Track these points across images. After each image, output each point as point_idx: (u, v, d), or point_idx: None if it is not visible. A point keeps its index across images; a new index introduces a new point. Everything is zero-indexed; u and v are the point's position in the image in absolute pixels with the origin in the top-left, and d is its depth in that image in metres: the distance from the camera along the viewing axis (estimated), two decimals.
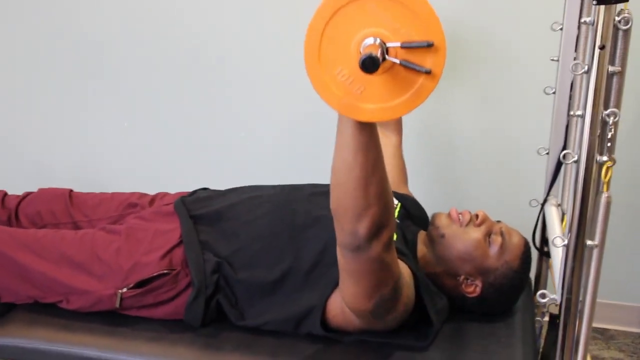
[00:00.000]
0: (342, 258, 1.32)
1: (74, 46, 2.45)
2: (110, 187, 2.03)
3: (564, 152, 1.21)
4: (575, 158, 1.19)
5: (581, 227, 1.21)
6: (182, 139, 2.49)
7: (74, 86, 2.51)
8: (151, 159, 2.55)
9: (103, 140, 2.56)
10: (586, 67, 1.15)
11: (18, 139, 2.63)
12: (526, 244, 1.59)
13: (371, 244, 1.24)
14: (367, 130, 1.13)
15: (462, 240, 1.56)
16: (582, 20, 1.21)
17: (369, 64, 0.96)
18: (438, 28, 1.01)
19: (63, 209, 1.83)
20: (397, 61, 1.01)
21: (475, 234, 1.55)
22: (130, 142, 2.53)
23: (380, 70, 1.00)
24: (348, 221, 1.22)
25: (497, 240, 1.55)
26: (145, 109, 2.48)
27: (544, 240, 1.84)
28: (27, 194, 1.90)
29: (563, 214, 1.72)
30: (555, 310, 1.67)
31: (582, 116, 1.17)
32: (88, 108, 2.53)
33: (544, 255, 1.83)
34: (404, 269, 1.43)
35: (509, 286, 1.58)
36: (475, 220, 1.57)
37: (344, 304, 1.45)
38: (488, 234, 1.56)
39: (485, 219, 1.58)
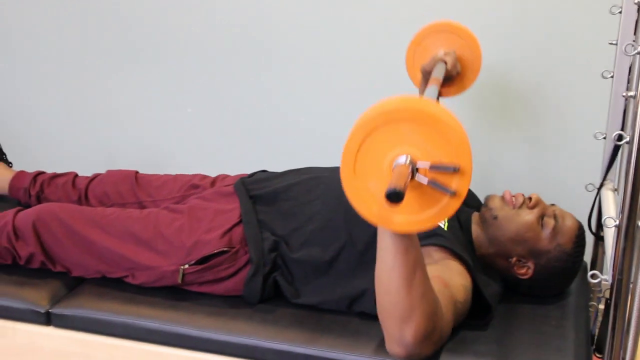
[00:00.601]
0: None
1: (142, 35, 2.53)
2: (172, 170, 2.10)
3: (618, 132, 1.22)
4: (628, 139, 1.20)
5: (633, 207, 1.22)
6: (242, 124, 2.54)
7: (139, 71, 2.59)
8: (212, 144, 2.61)
9: (167, 124, 2.64)
10: (639, 48, 1.16)
11: (87, 123, 2.73)
12: (580, 227, 1.59)
13: (421, 348, 1.26)
14: (405, 235, 1.18)
15: (515, 222, 1.57)
16: (637, 1, 1.22)
17: (394, 198, 1.01)
18: (467, 154, 1.06)
19: (129, 189, 1.91)
20: (425, 181, 1.07)
21: (528, 216, 1.56)
22: (193, 127, 2.60)
23: (409, 186, 1.07)
24: (394, 325, 1.25)
25: (550, 222, 1.56)
26: (207, 95, 2.54)
27: (600, 225, 1.83)
28: (96, 176, 1.99)
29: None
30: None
31: (635, 97, 1.18)
32: (154, 94, 2.61)
33: (599, 239, 1.83)
34: (461, 287, 1.43)
35: (562, 269, 1.59)
36: (528, 202, 1.58)
37: None
38: (541, 217, 1.57)
39: (538, 202, 1.58)
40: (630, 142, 1.20)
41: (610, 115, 1.73)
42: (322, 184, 1.68)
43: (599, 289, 1.87)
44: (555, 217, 1.56)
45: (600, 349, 1.55)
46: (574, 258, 1.58)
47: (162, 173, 2.00)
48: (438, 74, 1.72)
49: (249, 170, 1.93)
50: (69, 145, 2.76)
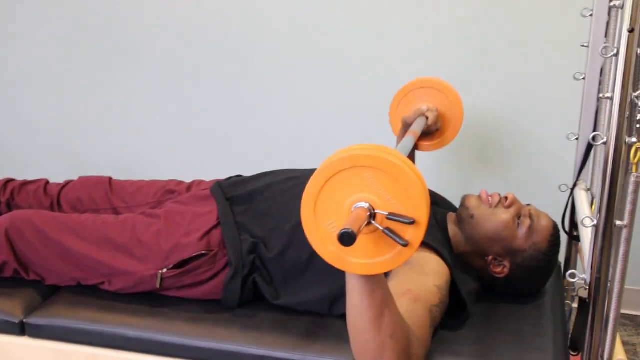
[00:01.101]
0: None
1: (113, 39, 2.51)
2: (143, 176, 2.08)
3: (594, 133, 1.24)
4: (605, 140, 1.22)
5: (610, 207, 1.24)
6: (216, 130, 2.53)
7: (110, 77, 2.56)
8: (184, 150, 2.60)
9: (137, 131, 2.62)
10: (615, 50, 1.18)
11: (57, 131, 2.69)
12: (555, 226, 1.62)
13: None
14: (369, 277, 1.18)
15: (491, 221, 1.59)
16: (612, 4, 1.24)
17: (346, 239, 1.02)
18: (424, 208, 1.09)
19: (103, 195, 1.89)
20: (381, 228, 1.09)
21: (504, 215, 1.58)
22: (164, 134, 2.58)
23: (365, 230, 1.10)
24: None
25: (525, 222, 1.58)
26: (179, 101, 2.53)
27: (574, 224, 1.86)
28: (68, 182, 1.96)
29: (592, 198, 1.74)
30: (585, 294, 1.70)
31: (611, 98, 1.20)
32: (123, 100, 2.59)
33: (574, 239, 1.86)
34: (435, 288, 1.43)
35: (537, 267, 1.61)
36: (504, 202, 1.60)
37: None
38: (517, 216, 1.59)
39: (514, 201, 1.60)
40: (606, 143, 1.22)
41: (582, 116, 1.75)
42: (299, 184, 1.68)
43: (572, 287, 1.91)
44: (530, 216, 1.59)
45: (574, 347, 1.57)
46: (549, 257, 1.61)
47: (134, 179, 1.98)
48: (417, 127, 1.76)
49: (223, 176, 1.93)
50: (39, 151, 2.73)
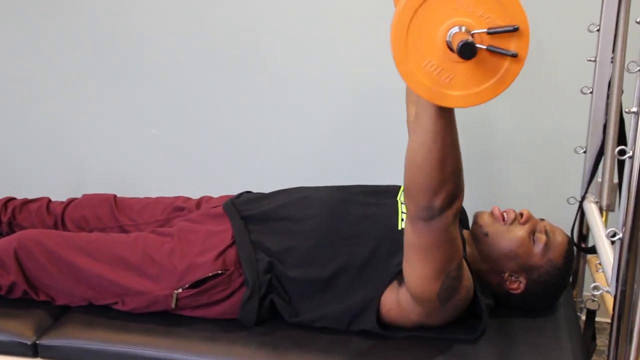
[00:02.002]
0: (413, 233, 1.35)
1: (107, 56, 2.49)
2: (139, 192, 2.06)
3: (620, 147, 1.25)
4: (631, 154, 1.23)
5: (636, 220, 1.25)
6: (211, 145, 2.52)
7: (103, 92, 2.54)
8: (179, 165, 2.58)
9: (132, 146, 2.60)
10: None
11: (50, 147, 2.66)
12: (569, 242, 1.63)
13: (444, 213, 1.29)
14: (447, 116, 1.18)
15: (507, 238, 1.59)
16: (638, 20, 1.26)
17: (466, 50, 0.99)
18: (521, 12, 1.04)
19: (109, 213, 1.86)
20: (484, 47, 1.04)
21: (520, 232, 1.58)
22: (162, 149, 2.56)
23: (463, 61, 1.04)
24: (423, 197, 1.27)
25: (541, 238, 1.58)
26: (172, 116, 2.51)
27: (581, 237, 1.88)
28: (72, 200, 1.93)
29: (601, 210, 1.76)
30: (593, 306, 1.72)
31: (637, 113, 1.21)
32: (119, 115, 2.56)
33: (583, 251, 1.87)
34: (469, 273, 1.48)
35: (553, 283, 1.62)
36: (519, 218, 1.60)
37: (400, 296, 1.49)
38: (532, 232, 1.59)
39: (529, 217, 1.61)
40: (632, 157, 1.23)
41: (590, 130, 1.77)
42: (315, 202, 1.68)
43: (580, 299, 1.92)
44: (546, 232, 1.59)
45: None
46: (564, 272, 1.62)
47: (128, 196, 1.96)
48: None
49: (218, 191, 1.92)
50: (31, 169, 2.68)
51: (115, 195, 1.92)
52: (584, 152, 1.81)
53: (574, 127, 1.93)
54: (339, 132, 2.38)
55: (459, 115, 1.21)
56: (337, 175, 2.18)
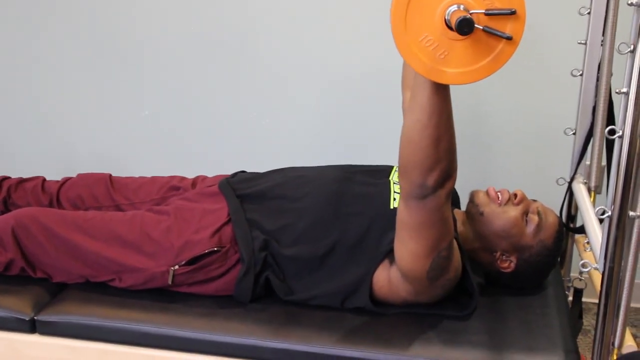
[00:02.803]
0: (406, 211, 1.38)
1: (98, 37, 2.49)
2: (131, 173, 2.07)
3: (610, 127, 1.28)
4: (620, 133, 1.26)
5: (625, 199, 1.28)
6: (203, 126, 2.53)
7: (95, 74, 2.54)
8: (171, 145, 2.59)
9: (124, 127, 2.60)
10: (632, 47, 1.22)
11: (42, 128, 2.66)
12: (560, 223, 1.66)
13: (437, 192, 1.32)
14: (443, 94, 1.21)
15: (501, 218, 1.61)
16: (630, 1, 1.28)
17: (465, 26, 1.03)
18: None
19: (104, 192, 1.88)
20: (481, 27, 1.07)
21: (514, 212, 1.61)
22: (154, 130, 2.57)
23: (460, 38, 1.08)
24: (418, 175, 1.30)
25: (534, 219, 1.61)
26: (164, 97, 2.52)
27: (570, 217, 1.92)
28: (67, 179, 1.95)
29: (590, 190, 1.79)
30: (580, 285, 1.76)
31: (627, 93, 1.24)
32: (109, 97, 2.57)
33: (572, 231, 1.90)
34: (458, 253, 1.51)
35: (543, 263, 1.65)
36: (513, 199, 1.63)
37: (391, 275, 1.52)
38: (525, 213, 1.62)
39: (523, 198, 1.63)
40: (622, 137, 1.26)
41: (580, 112, 1.80)
42: (310, 181, 1.70)
43: (568, 279, 1.96)
44: (539, 214, 1.62)
45: None
46: (554, 252, 1.65)
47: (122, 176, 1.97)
48: None
49: (211, 171, 1.94)
50: (23, 151, 2.69)
51: (110, 175, 1.93)
52: (574, 133, 1.84)
53: (564, 109, 1.96)
54: (331, 116, 2.40)
55: (453, 93, 1.23)
56: (330, 158, 2.21)
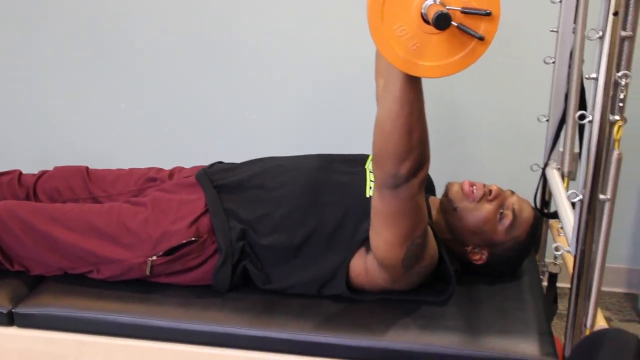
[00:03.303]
0: (380, 200, 1.40)
1: (74, 32, 2.48)
2: (109, 166, 2.07)
3: (580, 112, 1.30)
4: (590, 118, 1.28)
5: (595, 182, 1.30)
6: (178, 118, 2.53)
7: (71, 67, 2.53)
8: (148, 138, 2.59)
9: (101, 121, 2.60)
10: (600, 33, 1.24)
11: (20, 123, 2.65)
12: (535, 217, 1.66)
13: (410, 181, 1.33)
14: (415, 85, 1.22)
15: (474, 215, 1.61)
16: None
17: (442, 20, 1.04)
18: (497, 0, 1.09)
19: (81, 184, 1.87)
20: (455, 24, 1.09)
21: (487, 209, 1.61)
22: (128, 122, 2.57)
23: (435, 32, 1.09)
24: (390, 164, 1.31)
25: (508, 215, 1.60)
26: (141, 90, 2.52)
27: (544, 203, 1.94)
28: (43, 172, 1.94)
29: (563, 176, 1.81)
30: (555, 270, 1.79)
31: (596, 79, 1.26)
32: (87, 90, 2.56)
33: (546, 216, 1.93)
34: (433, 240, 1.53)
35: (515, 257, 1.67)
36: (488, 195, 1.62)
37: (367, 263, 1.53)
38: (500, 209, 1.61)
39: (498, 194, 1.62)
40: (592, 122, 1.28)
41: (552, 98, 1.83)
42: (288, 171, 1.71)
43: (543, 263, 1.99)
44: (513, 211, 1.61)
45: None
46: (527, 246, 1.67)
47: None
48: None
49: (188, 163, 1.94)
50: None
51: (87, 167, 1.93)
52: (547, 120, 1.86)
53: (538, 97, 1.98)
54: (313, 107, 2.42)
55: (428, 82, 1.25)
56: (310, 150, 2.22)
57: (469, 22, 1.10)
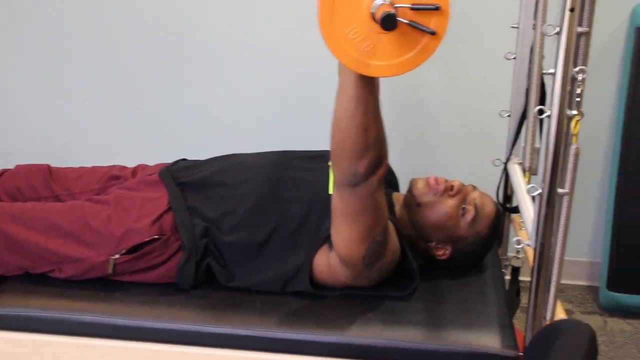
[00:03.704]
0: (339, 198, 1.41)
1: (39, 28, 2.45)
2: (72, 164, 2.05)
3: (538, 107, 1.31)
4: (549, 113, 1.30)
5: (554, 176, 1.32)
6: (144, 115, 2.52)
7: (35, 64, 2.51)
8: (112, 136, 2.57)
9: (65, 118, 2.57)
10: (557, 29, 1.26)
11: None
12: (497, 212, 1.68)
13: (369, 179, 1.34)
14: (369, 84, 1.23)
15: (436, 210, 1.63)
16: None
17: (388, 21, 1.05)
18: None
19: (43, 183, 1.85)
20: (406, 21, 1.10)
21: (449, 205, 1.62)
22: (91, 120, 2.55)
23: (385, 32, 1.10)
24: (348, 162, 1.32)
25: (470, 211, 1.62)
26: (105, 87, 2.50)
27: (506, 197, 1.96)
28: (4, 171, 1.91)
29: (524, 171, 1.83)
30: (517, 263, 1.81)
31: (554, 74, 1.28)
32: (50, 87, 2.53)
33: (508, 211, 1.95)
34: (395, 236, 1.54)
35: (477, 251, 1.69)
36: (450, 190, 1.63)
37: (330, 259, 1.53)
38: (462, 204, 1.63)
39: (460, 190, 1.64)
40: (550, 116, 1.30)
41: (513, 94, 1.85)
42: (250, 168, 1.71)
43: (506, 257, 2.01)
44: (475, 206, 1.63)
45: None
46: (489, 240, 1.69)
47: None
48: None
49: (153, 160, 1.93)
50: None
51: (49, 165, 1.90)
52: (509, 115, 1.88)
53: (500, 93, 2.00)
54: (279, 102, 2.42)
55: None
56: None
57: (420, 19, 1.11)
